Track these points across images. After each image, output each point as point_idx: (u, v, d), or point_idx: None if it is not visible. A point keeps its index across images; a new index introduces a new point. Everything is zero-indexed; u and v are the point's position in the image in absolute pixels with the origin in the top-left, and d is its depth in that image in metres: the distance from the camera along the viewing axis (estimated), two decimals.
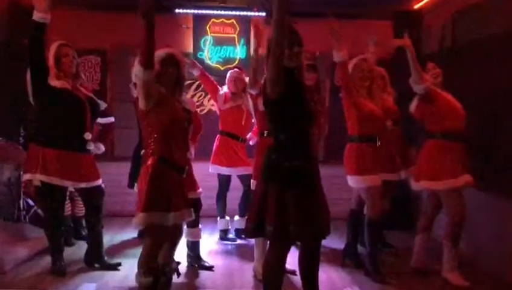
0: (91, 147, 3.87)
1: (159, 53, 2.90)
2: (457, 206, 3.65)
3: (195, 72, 4.69)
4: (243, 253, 4.50)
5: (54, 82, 3.63)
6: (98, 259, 3.90)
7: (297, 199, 2.66)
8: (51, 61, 3.65)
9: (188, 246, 3.99)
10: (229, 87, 4.76)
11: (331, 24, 3.60)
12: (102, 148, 4.05)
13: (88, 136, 3.82)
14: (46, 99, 3.66)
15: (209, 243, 4.73)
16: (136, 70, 2.72)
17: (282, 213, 2.64)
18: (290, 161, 2.68)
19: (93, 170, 3.89)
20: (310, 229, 2.70)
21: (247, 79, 4.78)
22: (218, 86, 4.77)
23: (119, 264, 3.92)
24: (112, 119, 4.38)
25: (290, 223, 2.64)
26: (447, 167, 3.64)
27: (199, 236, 3.99)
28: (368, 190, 3.74)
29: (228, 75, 4.82)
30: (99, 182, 3.91)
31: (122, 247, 4.61)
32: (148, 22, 2.66)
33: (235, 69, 4.87)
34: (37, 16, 3.42)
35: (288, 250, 2.83)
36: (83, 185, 3.80)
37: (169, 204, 2.82)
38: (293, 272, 3.69)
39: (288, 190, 2.66)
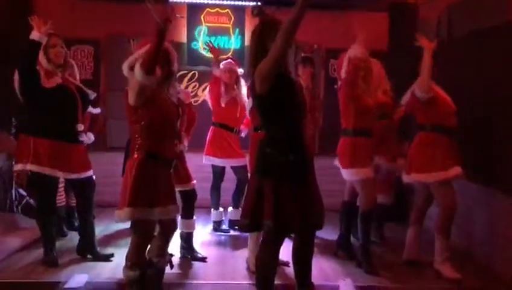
0: (83, 138, 3.87)
1: None
2: (447, 198, 3.67)
3: (217, 72, 4.66)
4: (236, 244, 4.51)
5: (45, 83, 3.61)
6: (91, 250, 3.89)
7: (294, 192, 2.65)
8: (40, 55, 3.63)
9: (181, 237, 3.98)
10: (222, 79, 4.72)
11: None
12: (92, 137, 4.03)
13: (80, 127, 3.82)
14: (39, 100, 3.65)
15: (203, 234, 4.72)
16: (137, 73, 2.67)
17: (279, 207, 2.63)
18: (286, 155, 2.67)
19: (84, 161, 3.88)
20: (307, 222, 2.70)
21: (239, 70, 4.76)
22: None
23: (112, 255, 3.91)
24: (99, 110, 4.34)
25: (288, 217, 2.63)
26: (437, 160, 3.65)
27: (193, 227, 3.99)
28: (361, 182, 3.75)
29: (221, 66, 4.75)
30: (91, 173, 3.90)
31: (115, 237, 4.60)
32: (163, 30, 2.63)
33: (229, 60, 4.82)
34: (36, 35, 3.50)
35: (282, 243, 2.82)
36: (74, 176, 3.79)
37: (154, 199, 2.80)
38: (286, 264, 3.70)
39: (284, 184, 2.64)
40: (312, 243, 2.90)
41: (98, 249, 3.93)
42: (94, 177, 3.99)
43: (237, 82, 4.73)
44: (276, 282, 2.89)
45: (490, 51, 4.12)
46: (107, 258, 3.87)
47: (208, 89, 4.85)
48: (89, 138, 4.00)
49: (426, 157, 3.71)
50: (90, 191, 3.90)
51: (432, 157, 3.67)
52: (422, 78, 3.63)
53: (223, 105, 4.64)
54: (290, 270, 3.53)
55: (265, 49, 2.66)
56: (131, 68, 2.82)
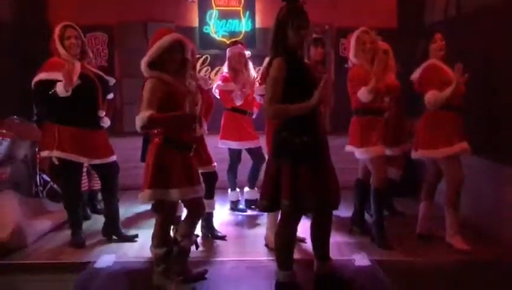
0: (104, 124, 3.99)
1: (166, 39, 2.94)
2: (454, 172, 3.76)
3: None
4: (253, 223, 4.66)
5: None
6: (116, 231, 4.06)
7: (310, 173, 2.77)
8: (57, 45, 3.75)
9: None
10: (231, 64, 4.76)
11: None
12: (108, 122, 4.14)
13: (101, 113, 3.94)
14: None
15: (220, 214, 4.85)
16: (139, 118, 2.85)
17: (296, 188, 2.75)
18: (300, 136, 2.78)
19: (107, 146, 4.01)
20: (323, 201, 2.83)
21: (247, 53, 4.82)
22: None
23: (136, 235, 4.08)
24: (112, 95, 4.39)
25: (305, 197, 2.76)
26: (442, 136, 3.73)
27: (213, 207, 4.13)
28: (372, 160, 3.85)
29: (230, 51, 4.77)
30: (114, 158, 4.03)
31: (136, 219, 4.77)
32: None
33: (238, 45, 4.83)
34: (60, 91, 3.59)
35: (299, 221, 2.96)
36: (98, 161, 3.92)
37: (172, 181, 2.93)
38: (303, 240, 3.84)
39: (300, 165, 2.76)
40: (329, 221, 3.03)
41: (123, 230, 4.10)
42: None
43: (246, 65, 4.78)
44: (294, 257, 3.05)
45: (499, 27, 4.15)
46: (132, 239, 4.04)
47: (216, 87, 4.84)
48: (106, 122, 4.13)
49: (432, 134, 3.79)
50: (114, 176, 4.04)
51: (437, 135, 3.75)
52: (440, 97, 3.66)
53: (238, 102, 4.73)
54: (307, 246, 3.68)
55: (285, 34, 2.78)
56: (149, 66, 2.95)
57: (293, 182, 2.76)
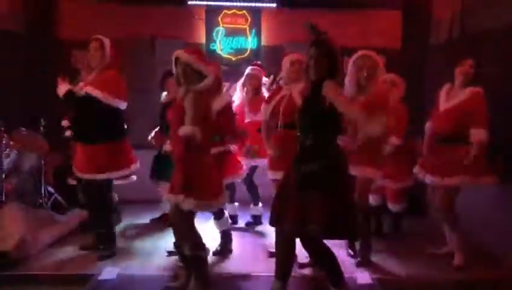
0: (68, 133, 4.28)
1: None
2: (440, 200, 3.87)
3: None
4: (254, 237, 4.66)
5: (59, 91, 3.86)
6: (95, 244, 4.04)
7: (296, 196, 2.84)
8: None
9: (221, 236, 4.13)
10: (245, 82, 4.78)
11: None
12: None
13: (65, 123, 4.37)
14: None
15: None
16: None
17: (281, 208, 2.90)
18: (300, 166, 2.89)
19: (91, 162, 3.88)
20: (302, 228, 2.82)
21: (265, 79, 4.81)
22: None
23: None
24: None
25: (284, 217, 2.88)
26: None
27: (226, 225, 4.09)
28: (358, 179, 3.79)
29: (251, 70, 4.76)
30: (93, 177, 3.88)
31: (140, 232, 4.72)
32: None
33: (256, 67, 4.81)
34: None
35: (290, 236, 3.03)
36: (80, 175, 4.00)
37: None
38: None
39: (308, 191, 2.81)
40: (313, 248, 3.05)
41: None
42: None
43: (257, 89, 4.75)
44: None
45: (505, 49, 4.20)
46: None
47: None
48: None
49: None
50: (91, 192, 3.99)
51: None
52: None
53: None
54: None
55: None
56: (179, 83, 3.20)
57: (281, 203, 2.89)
